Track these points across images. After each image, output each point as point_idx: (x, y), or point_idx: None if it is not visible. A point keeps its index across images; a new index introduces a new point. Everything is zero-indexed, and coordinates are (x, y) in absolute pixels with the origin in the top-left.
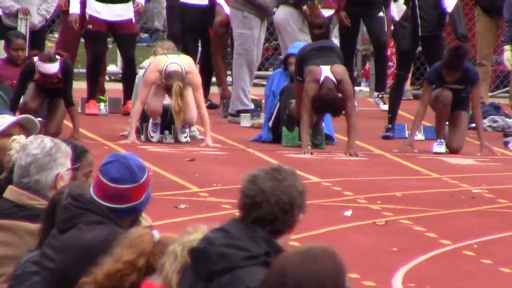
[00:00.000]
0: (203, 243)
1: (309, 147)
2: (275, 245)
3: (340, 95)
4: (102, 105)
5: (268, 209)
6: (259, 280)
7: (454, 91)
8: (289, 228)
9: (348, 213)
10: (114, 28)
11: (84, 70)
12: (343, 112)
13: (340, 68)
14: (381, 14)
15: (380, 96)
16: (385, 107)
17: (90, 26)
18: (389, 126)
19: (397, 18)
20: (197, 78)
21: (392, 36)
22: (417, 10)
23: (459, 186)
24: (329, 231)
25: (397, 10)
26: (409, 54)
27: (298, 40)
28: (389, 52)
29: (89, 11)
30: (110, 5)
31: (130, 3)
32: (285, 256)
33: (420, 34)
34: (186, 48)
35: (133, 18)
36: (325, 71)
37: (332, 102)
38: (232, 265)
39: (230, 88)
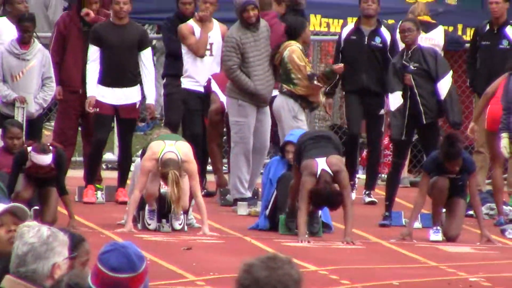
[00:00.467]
0: None
1: (306, 235)
2: None
3: (337, 188)
4: (99, 193)
5: None
6: None
7: (451, 179)
8: None
9: None
10: (118, 112)
11: (81, 158)
12: (340, 206)
13: (336, 159)
14: (382, 111)
15: (367, 193)
16: (368, 199)
17: (97, 110)
18: (386, 214)
19: (392, 108)
20: (193, 166)
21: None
22: (418, 98)
23: (457, 274)
24: None
25: (393, 101)
26: (402, 143)
27: (292, 127)
28: (386, 141)
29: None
30: (116, 89)
31: (136, 87)
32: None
33: (424, 122)
34: (191, 133)
35: (137, 103)
36: (321, 164)
37: (329, 197)
38: None
39: (226, 176)
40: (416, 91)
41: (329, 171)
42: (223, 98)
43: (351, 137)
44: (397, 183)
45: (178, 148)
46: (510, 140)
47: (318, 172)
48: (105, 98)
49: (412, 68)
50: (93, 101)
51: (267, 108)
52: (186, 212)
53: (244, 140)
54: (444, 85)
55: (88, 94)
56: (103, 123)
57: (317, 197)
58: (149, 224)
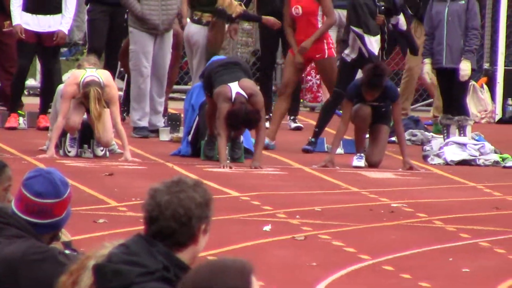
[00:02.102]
0: (105, 259)
1: (228, 161)
2: (174, 259)
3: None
4: (21, 119)
5: (165, 223)
6: None
7: (374, 106)
8: (192, 240)
9: (267, 227)
10: (41, 39)
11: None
12: (258, 124)
13: (249, 82)
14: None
15: (292, 118)
16: (294, 124)
17: (23, 35)
18: (312, 140)
19: (375, 53)
20: (114, 91)
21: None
22: (385, 36)
23: (379, 200)
24: (248, 245)
25: (375, 44)
26: (351, 75)
27: (203, 55)
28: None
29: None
30: (40, 16)
31: (60, 15)
32: (197, 265)
33: (385, 58)
34: (108, 62)
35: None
36: (235, 88)
37: (246, 116)
38: (127, 282)
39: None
40: (385, 30)
41: (244, 94)
42: None
43: (262, 70)
44: (332, 114)
45: (100, 73)
46: (432, 65)
47: (233, 96)
48: (28, 25)
49: (382, 8)
50: (17, 29)
51: (168, 35)
52: (107, 145)
53: (135, 68)
54: (402, 17)
55: (14, 23)
56: (26, 50)
57: (234, 118)
58: (69, 152)
